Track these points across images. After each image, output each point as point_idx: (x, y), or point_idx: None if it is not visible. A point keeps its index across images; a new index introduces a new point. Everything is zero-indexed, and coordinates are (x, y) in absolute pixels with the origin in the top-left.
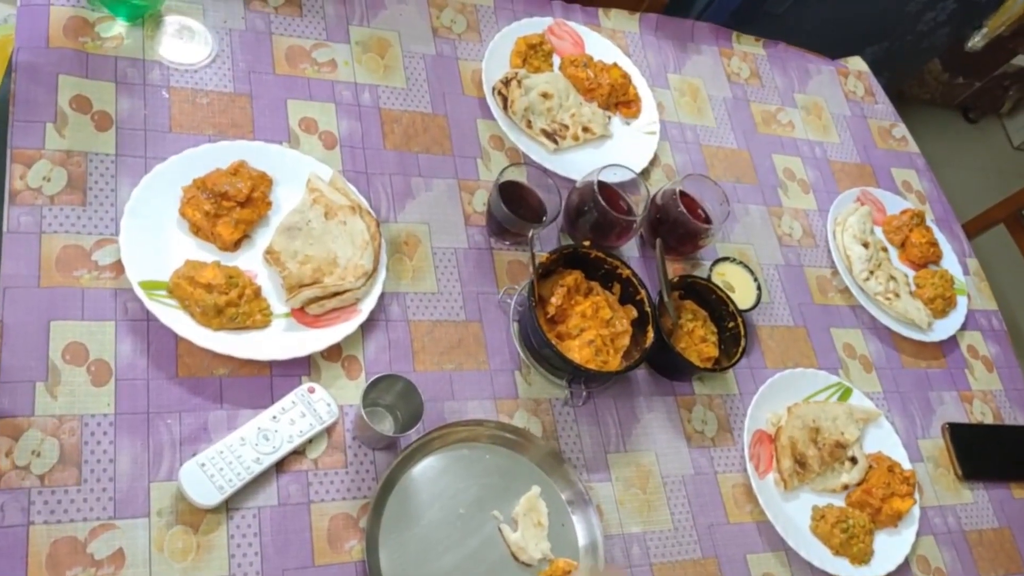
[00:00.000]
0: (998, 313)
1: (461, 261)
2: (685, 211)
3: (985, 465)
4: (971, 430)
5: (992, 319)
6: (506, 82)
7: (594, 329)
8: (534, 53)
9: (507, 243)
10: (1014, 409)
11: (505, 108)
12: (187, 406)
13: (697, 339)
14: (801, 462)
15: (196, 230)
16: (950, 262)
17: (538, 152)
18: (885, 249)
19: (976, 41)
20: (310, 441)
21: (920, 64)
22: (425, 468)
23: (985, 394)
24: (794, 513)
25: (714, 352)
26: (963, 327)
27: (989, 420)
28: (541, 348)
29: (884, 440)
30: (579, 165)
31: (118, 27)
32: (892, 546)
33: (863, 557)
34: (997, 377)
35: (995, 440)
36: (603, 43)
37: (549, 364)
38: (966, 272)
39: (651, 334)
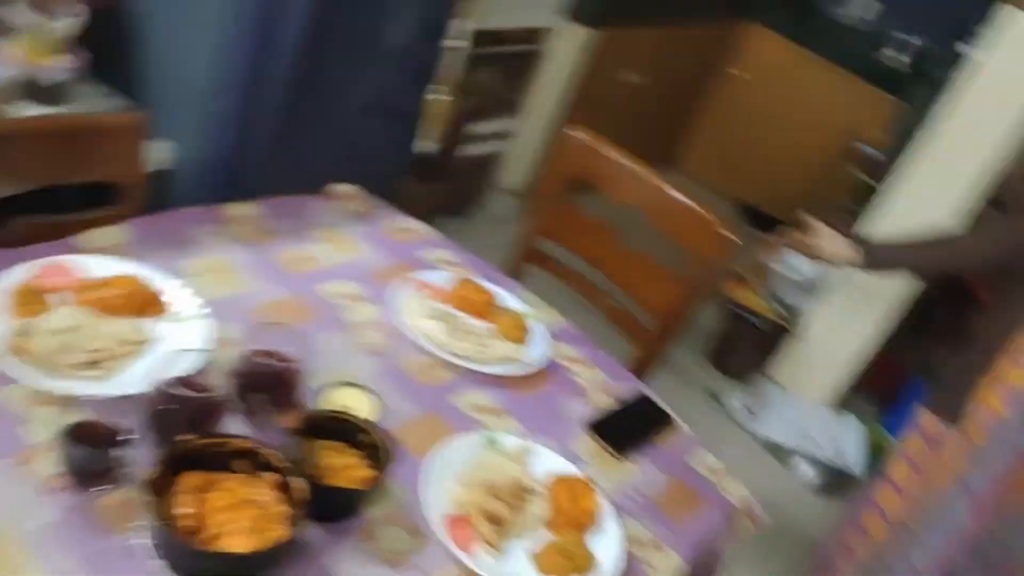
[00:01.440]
0: (562, 320)
1: (60, 533)
2: (265, 360)
3: (630, 438)
4: (605, 418)
5: (564, 326)
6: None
7: (243, 514)
8: (28, 300)
9: (105, 485)
10: (620, 384)
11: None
12: None
13: (347, 469)
14: (495, 520)
15: None
16: (509, 300)
17: (89, 386)
18: (454, 316)
19: None
20: None
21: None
22: None
23: (596, 385)
24: (519, 569)
25: (368, 472)
26: (550, 343)
27: (612, 403)
28: (200, 564)
29: (547, 463)
30: (142, 376)
31: None
32: (607, 543)
33: (590, 566)
34: (597, 369)
35: (624, 415)
36: (99, 261)
37: (218, 575)
38: (525, 302)
39: (300, 488)
